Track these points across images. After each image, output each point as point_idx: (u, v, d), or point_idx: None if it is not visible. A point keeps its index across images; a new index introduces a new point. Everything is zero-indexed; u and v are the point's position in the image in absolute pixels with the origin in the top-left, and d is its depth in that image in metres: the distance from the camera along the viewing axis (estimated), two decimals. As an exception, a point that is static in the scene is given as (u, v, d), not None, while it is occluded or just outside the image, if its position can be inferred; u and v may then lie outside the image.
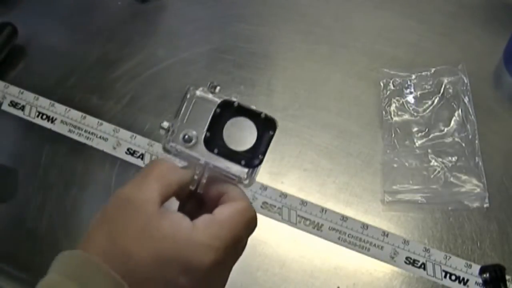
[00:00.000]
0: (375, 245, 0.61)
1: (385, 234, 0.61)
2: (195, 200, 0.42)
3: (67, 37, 0.81)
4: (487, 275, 0.57)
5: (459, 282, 0.59)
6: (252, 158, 0.40)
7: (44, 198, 0.66)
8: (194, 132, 0.40)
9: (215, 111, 0.40)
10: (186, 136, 0.40)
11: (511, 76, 0.71)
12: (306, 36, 0.77)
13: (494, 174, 0.64)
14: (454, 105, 0.69)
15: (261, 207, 0.63)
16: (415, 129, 0.68)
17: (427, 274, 0.59)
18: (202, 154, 0.40)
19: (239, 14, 0.80)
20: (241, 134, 0.41)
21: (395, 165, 0.65)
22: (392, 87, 0.71)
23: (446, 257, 0.60)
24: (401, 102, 0.70)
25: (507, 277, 0.57)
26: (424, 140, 0.67)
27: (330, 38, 0.76)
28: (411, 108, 0.69)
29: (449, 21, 0.77)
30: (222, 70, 0.75)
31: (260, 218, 0.62)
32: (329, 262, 0.61)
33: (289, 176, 0.66)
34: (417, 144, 0.67)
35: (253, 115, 0.40)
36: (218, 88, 0.41)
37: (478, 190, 0.63)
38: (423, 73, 0.71)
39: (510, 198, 0.63)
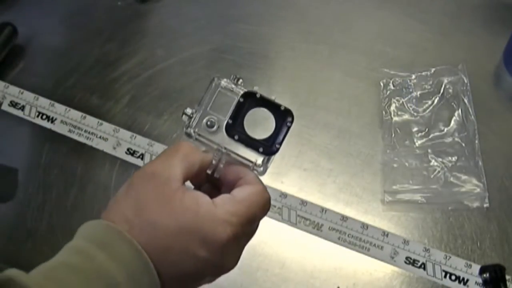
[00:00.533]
0: (375, 245, 0.61)
1: (385, 234, 0.61)
2: (210, 186, 0.44)
3: (67, 37, 0.81)
4: (487, 275, 0.57)
5: (459, 282, 0.59)
6: (269, 146, 0.42)
7: (44, 198, 0.66)
8: (216, 118, 0.43)
9: (238, 100, 0.43)
10: (209, 122, 0.43)
11: (511, 76, 0.71)
12: (306, 36, 0.77)
13: (494, 174, 0.64)
14: (454, 105, 0.69)
15: (261, 207, 0.63)
16: (415, 129, 0.68)
17: (427, 274, 0.59)
18: (222, 140, 0.42)
19: (239, 14, 0.80)
20: (260, 124, 0.43)
21: (395, 165, 0.65)
22: (392, 87, 0.71)
23: (446, 257, 0.60)
24: (401, 102, 0.70)
25: (507, 277, 0.57)
26: (424, 140, 0.67)
27: (330, 38, 0.76)
28: (411, 108, 0.69)
29: (449, 21, 0.77)
30: (222, 70, 0.75)
31: (260, 218, 0.63)
32: (329, 262, 0.61)
33: (289, 176, 0.66)
34: (417, 144, 0.67)
35: (273, 107, 0.43)
36: (240, 80, 0.44)
37: (478, 190, 0.63)
38: (423, 73, 0.71)
39: (510, 198, 0.63)
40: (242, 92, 0.43)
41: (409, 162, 0.65)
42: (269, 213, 0.64)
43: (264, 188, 0.42)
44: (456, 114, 0.68)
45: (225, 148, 0.42)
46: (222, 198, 0.40)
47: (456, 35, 0.76)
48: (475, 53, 0.74)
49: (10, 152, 0.71)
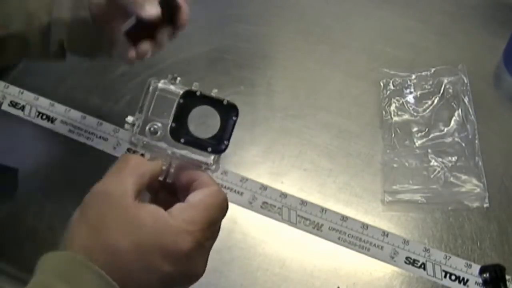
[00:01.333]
0: (375, 245, 0.61)
1: (385, 234, 0.61)
2: (166, 191, 0.44)
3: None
4: (487, 275, 0.57)
5: (459, 282, 0.59)
6: (217, 145, 0.41)
7: (44, 198, 0.66)
8: (160, 124, 0.42)
9: (178, 101, 0.41)
10: (152, 129, 0.42)
11: (511, 76, 0.71)
12: (306, 36, 0.77)
13: (494, 174, 0.64)
14: (454, 105, 0.69)
15: (261, 207, 0.63)
16: (415, 129, 0.68)
17: (427, 274, 0.59)
18: (169, 145, 0.42)
19: (239, 14, 0.80)
20: (206, 122, 0.42)
21: (395, 165, 0.65)
22: (392, 87, 0.71)
23: (446, 257, 0.60)
24: (401, 102, 0.70)
25: (507, 277, 0.57)
26: (424, 140, 0.67)
27: (330, 38, 0.76)
28: (411, 108, 0.69)
29: (449, 21, 0.77)
30: (222, 70, 0.75)
31: (260, 218, 0.63)
32: (329, 262, 0.61)
33: (289, 176, 0.66)
34: (417, 144, 0.67)
35: (216, 103, 0.42)
36: (178, 79, 0.43)
37: (478, 190, 0.63)
38: (423, 73, 0.71)
39: (510, 198, 0.63)
40: (181, 92, 0.42)
41: (409, 162, 0.65)
42: (269, 213, 0.64)
43: (218, 188, 0.41)
44: (456, 114, 0.68)
45: (173, 153, 0.42)
46: (177, 208, 0.39)
47: (456, 35, 0.76)
48: (475, 53, 0.74)
49: (10, 152, 0.71)
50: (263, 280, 0.60)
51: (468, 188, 0.63)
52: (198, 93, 0.42)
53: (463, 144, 0.66)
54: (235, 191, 0.64)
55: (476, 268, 0.59)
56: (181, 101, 0.42)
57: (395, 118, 0.69)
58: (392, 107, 0.69)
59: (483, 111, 0.68)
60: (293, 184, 0.65)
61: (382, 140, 0.68)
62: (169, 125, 0.41)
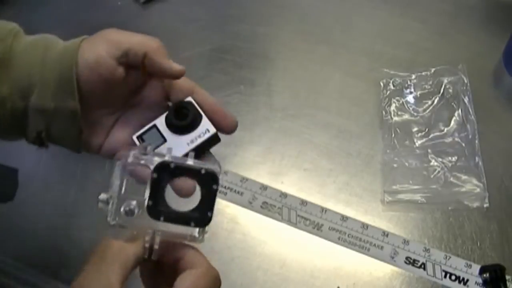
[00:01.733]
0: (375, 245, 0.61)
1: (385, 234, 0.61)
2: (153, 264, 0.40)
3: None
4: (487, 275, 0.57)
5: (459, 282, 0.59)
6: (201, 217, 0.38)
7: (44, 198, 0.66)
8: (135, 202, 0.38)
9: (152, 177, 0.38)
10: (128, 209, 0.38)
11: (511, 76, 0.71)
12: (306, 36, 0.77)
13: (494, 174, 0.64)
14: (454, 105, 0.69)
15: (261, 207, 0.63)
16: (415, 129, 0.68)
17: (427, 274, 0.59)
18: (149, 222, 0.38)
19: (239, 14, 0.80)
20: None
21: (395, 165, 0.65)
22: (392, 87, 0.71)
23: (446, 257, 0.60)
24: (401, 102, 0.70)
25: (507, 277, 0.57)
26: (424, 140, 0.67)
27: (330, 38, 0.76)
28: (411, 108, 0.69)
29: (449, 21, 0.77)
30: (222, 70, 0.75)
31: (260, 218, 0.63)
32: (329, 262, 0.61)
33: (289, 176, 0.66)
34: (417, 144, 0.67)
35: (193, 173, 0.38)
36: (149, 148, 0.39)
37: (478, 190, 0.63)
38: (423, 73, 0.71)
39: (510, 198, 0.63)
40: (153, 167, 0.38)
41: (409, 162, 0.65)
42: (269, 213, 0.64)
43: (208, 265, 0.38)
44: (456, 114, 0.68)
45: (155, 231, 0.38)
46: None
47: (456, 35, 0.76)
48: (475, 53, 0.74)
49: (10, 152, 0.71)
50: (263, 280, 0.60)
51: (468, 188, 0.63)
52: (172, 165, 0.38)
53: (463, 144, 0.66)
54: (235, 191, 0.64)
55: (476, 268, 0.59)
56: (155, 175, 0.37)
57: (395, 118, 0.69)
58: (392, 107, 0.69)
59: (483, 111, 0.68)
60: (293, 184, 0.65)
61: (382, 140, 0.68)
62: (146, 204, 0.37)
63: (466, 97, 0.69)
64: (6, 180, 0.68)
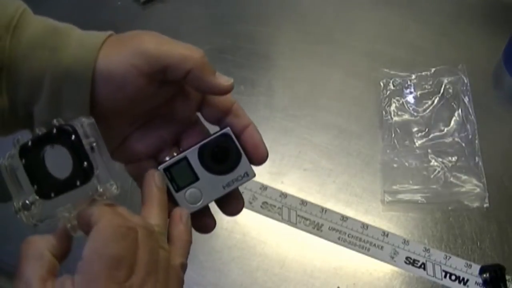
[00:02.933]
0: (375, 245, 0.61)
1: (385, 234, 0.61)
2: None
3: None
4: (487, 275, 0.57)
5: (459, 282, 0.59)
6: (82, 172, 0.35)
7: (44, 198, 0.66)
8: (28, 196, 0.38)
9: (22, 164, 0.37)
10: (26, 203, 0.38)
11: (511, 76, 0.71)
12: (306, 36, 0.77)
13: (494, 174, 0.64)
14: (454, 105, 0.69)
15: (261, 207, 0.63)
16: (415, 129, 0.68)
17: (427, 274, 0.59)
18: (51, 204, 0.37)
19: (239, 14, 0.80)
20: (60, 162, 0.37)
21: (395, 165, 0.65)
22: (392, 87, 0.71)
23: (446, 257, 0.60)
24: (401, 102, 0.70)
25: (507, 277, 0.57)
26: (424, 140, 0.67)
27: (330, 38, 0.76)
28: (411, 108, 0.69)
29: (449, 21, 0.77)
30: (222, 70, 0.74)
31: (260, 218, 0.63)
32: (329, 262, 0.61)
33: (289, 176, 0.66)
34: (417, 144, 0.67)
35: (50, 139, 0.36)
36: (18, 139, 0.37)
37: (478, 190, 0.63)
38: (423, 73, 0.71)
39: (510, 198, 0.63)
40: (17, 154, 0.37)
41: (409, 162, 0.65)
42: (269, 213, 0.64)
43: (108, 218, 0.33)
44: (456, 114, 0.68)
45: (61, 209, 0.37)
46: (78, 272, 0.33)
47: (456, 35, 0.76)
48: (475, 53, 0.74)
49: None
50: (263, 280, 0.60)
51: (468, 188, 0.63)
52: (29, 144, 0.36)
53: (463, 144, 0.66)
54: (235, 191, 0.64)
55: (476, 268, 0.59)
56: (24, 161, 0.36)
57: (395, 118, 0.69)
58: (392, 107, 0.69)
59: (483, 111, 0.68)
60: (293, 184, 0.65)
61: (382, 140, 0.68)
62: (34, 191, 0.37)
63: (466, 97, 0.69)
64: (6, 180, 0.68)
